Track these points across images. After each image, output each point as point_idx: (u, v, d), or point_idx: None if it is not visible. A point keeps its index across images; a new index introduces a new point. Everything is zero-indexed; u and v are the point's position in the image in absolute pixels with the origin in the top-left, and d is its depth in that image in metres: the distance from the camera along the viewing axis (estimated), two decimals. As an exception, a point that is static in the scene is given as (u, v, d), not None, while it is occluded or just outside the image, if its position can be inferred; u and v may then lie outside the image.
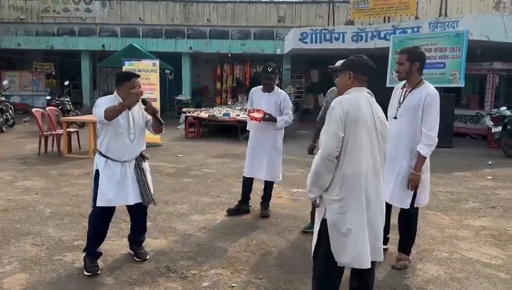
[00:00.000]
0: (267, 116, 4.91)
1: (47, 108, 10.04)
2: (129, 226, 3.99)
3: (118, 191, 3.56)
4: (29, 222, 4.79)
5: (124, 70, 10.76)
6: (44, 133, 9.02)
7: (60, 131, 9.29)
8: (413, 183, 3.55)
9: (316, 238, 2.70)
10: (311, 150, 4.74)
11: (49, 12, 21.47)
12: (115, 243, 4.14)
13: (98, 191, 3.54)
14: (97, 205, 3.56)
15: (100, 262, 3.73)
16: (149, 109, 3.64)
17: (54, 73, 20.54)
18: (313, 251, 2.74)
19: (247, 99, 5.86)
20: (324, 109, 4.65)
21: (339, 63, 4.26)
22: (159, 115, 3.70)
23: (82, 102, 19.07)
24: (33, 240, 4.28)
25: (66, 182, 6.66)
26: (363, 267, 2.63)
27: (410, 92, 3.65)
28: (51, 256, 3.90)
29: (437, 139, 3.54)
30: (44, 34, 21.08)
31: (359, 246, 2.59)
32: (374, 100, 2.79)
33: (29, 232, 4.47)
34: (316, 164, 2.59)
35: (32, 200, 5.63)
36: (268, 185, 5.25)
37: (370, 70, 2.76)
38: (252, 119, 5.08)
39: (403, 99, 3.68)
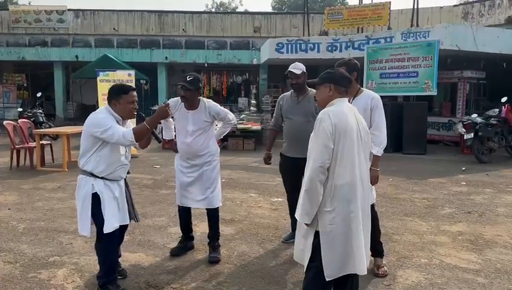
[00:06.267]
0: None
1: (19, 120, 9.78)
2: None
3: (119, 212, 3.38)
4: (2, 239, 4.61)
5: (98, 80, 10.66)
6: (16, 146, 8.77)
7: (32, 144, 9.04)
8: (373, 179, 3.66)
9: (310, 251, 2.68)
10: (268, 160, 4.64)
11: (20, 23, 21.06)
12: (92, 259, 4.01)
13: (105, 217, 3.27)
14: (105, 231, 3.26)
15: (78, 279, 3.63)
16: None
17: (25, 84, 20.10)
18: (306, 263, 2.71)
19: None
20: (276, 115, 4.63)
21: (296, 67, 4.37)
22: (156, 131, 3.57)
23: (55, 114, 18.67)
24: (6, 257, 4.12)
25: (39, 196, 6.47)
26: (362, 273, 2.71)
27: (353, 99, 3.79)
28: (25, 274, 3.76)
29: (386, 139, 3.76)
30: (16, 44, 20.66)
31: (356, 253, 2.62)
32: (356, 110, 2.83)
33: (1, 249, 4.31)
34: (309, 178, 2.58)
35: (4, 216, 5.44)
36: (212, 217, 4.26)
37: (349, 82, 2.85)
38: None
39: None
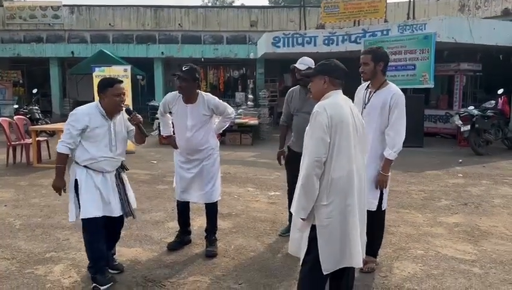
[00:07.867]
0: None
1: (15, 117, 9.76)
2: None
3: (101, 202, 3.37)
4: (-2, 235, 4.62)
5: (94, 75, 10.61)
6: (12, 143, 8.74)
7: (28, 140, 9.02)
8: (381, 184, 3.55)
9: (307, 244, 2.67)
10: (282, 158, 4.54)
11: (15, 19, 20.91)
12: (89, 254, 4.02)
13: (81, 203, 3.32)
14: (81, 217, 3.32)
15: (74, 274, 3.63)
16: (134, 119, 3.52)
17: (21, 81, 20.01)
18: (302, 257, 2.71)
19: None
20: (286, 111, 4.53)
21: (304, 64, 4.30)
22: (142, 126, 3.57)
23: (51, 110, 18.60)
24: (3, 253, 4.12)
25: (36, 193, 6.46)
26: (358, 266, 2.72)
27: (375, 92, 3.60)
28: (22, 269, 3.76)
29: (402, 144, 3.53)
30: (11, 41, 20.52)
31: (353, 247, 2.62)
32: (351, 101, 2.81)
33: (-2, 246, 4.31)
34: (305, 173, 2.56)
35: (1, 213, 5.43)
36: (211, 211, 4.25)
37: (343, 73, 2.77)
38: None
39: (368, 101, 3.62)
